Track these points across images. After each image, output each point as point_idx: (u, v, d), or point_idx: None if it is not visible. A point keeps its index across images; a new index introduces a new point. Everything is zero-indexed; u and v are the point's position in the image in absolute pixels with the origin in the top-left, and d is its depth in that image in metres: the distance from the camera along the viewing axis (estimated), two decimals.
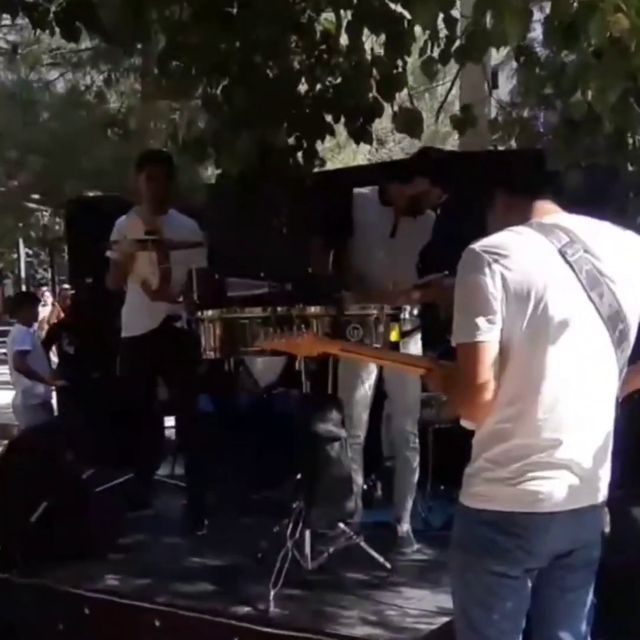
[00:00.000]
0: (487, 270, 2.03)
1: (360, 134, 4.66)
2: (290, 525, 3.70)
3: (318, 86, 4.59)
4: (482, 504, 2.12)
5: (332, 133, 4.82)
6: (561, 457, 2.07)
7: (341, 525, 3.86)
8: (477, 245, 2.08)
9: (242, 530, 4.60)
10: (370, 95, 4.50)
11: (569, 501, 2.08)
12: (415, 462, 4.33)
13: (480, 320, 2.03)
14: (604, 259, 2.11)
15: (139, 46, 4.49)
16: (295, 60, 4.48)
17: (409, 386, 4.21)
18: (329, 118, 4.76)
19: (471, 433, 2.17)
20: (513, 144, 5.11)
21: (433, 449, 4.56)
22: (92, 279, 6.22)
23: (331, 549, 3.85)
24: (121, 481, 4.21)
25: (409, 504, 4.36)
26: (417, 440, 4.32)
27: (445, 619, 3.29)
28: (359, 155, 17.94)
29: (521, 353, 2.05)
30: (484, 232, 2.15)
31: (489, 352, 2.04)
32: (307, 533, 3.76)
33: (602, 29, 2.92)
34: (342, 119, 4.76)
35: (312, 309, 3.70)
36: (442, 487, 4.61)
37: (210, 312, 3.84)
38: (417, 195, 4.08)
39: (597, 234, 2.17)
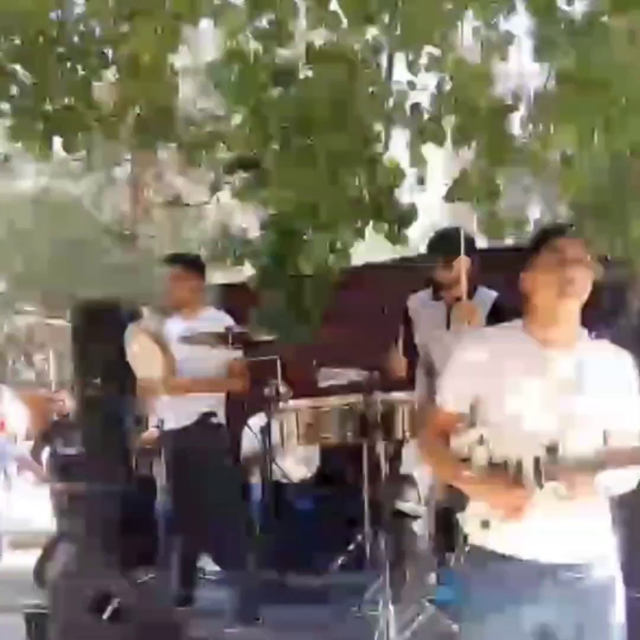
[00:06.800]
0: None
1: (397, 238, 4.99)
2: (380, 605, 3.85)
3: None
4: None
5: (363, 236, 5.12)
6: None
7: (424, 600, 4.04)
8: None
9: (302, 617, 4.59)
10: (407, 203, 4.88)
11: None
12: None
13: None
14: None
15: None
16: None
17: None
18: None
19: None
20: None
21: None
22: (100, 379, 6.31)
23: (414, 626, 4.00)
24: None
25: None
26: None
27: None
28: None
29: None
30: None
31: None
32: (391, 611, 3.91)
33: None
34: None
35: (395, 395, 3.98)
36: None
37: (299, 401, 4.11)
38: (457, 277, 4.16)
39: None
